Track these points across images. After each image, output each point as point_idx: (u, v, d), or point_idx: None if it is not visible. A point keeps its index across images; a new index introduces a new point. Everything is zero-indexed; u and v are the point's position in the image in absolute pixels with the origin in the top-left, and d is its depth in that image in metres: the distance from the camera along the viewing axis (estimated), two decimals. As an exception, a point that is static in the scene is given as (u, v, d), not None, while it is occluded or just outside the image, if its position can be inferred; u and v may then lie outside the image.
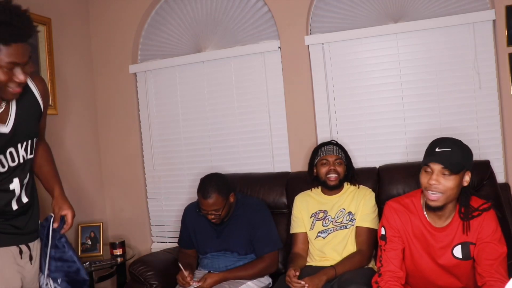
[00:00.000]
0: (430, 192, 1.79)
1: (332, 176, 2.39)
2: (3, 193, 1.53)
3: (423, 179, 1.82)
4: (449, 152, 1.77)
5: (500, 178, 2.56)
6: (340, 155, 2.42)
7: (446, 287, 1.95)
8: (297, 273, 2.15)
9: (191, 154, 3.24)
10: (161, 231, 3.35)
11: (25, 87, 1.56)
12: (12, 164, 1.53)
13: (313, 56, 2.90)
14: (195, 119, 3.22)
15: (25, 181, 1.61)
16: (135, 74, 3.36)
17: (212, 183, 2.36)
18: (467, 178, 1.82)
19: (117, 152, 3.39)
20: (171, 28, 3.28)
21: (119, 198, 3.43)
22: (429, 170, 1.79)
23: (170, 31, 3.28)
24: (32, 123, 1.62)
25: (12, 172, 1.55)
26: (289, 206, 2.70)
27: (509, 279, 1.75)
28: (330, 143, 2.48)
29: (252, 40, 3.05)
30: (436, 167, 1.77)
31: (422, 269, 1.93)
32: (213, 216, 2.37)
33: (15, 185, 1.55)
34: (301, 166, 2.88)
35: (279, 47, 2.95)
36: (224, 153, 3.15)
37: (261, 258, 2.44)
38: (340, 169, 2.40)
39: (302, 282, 2.09)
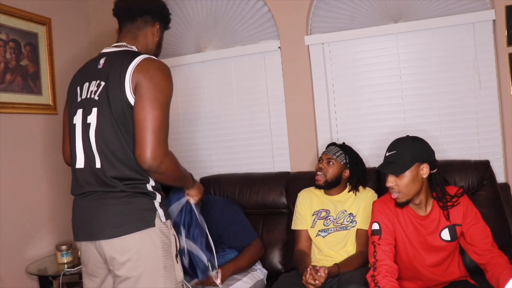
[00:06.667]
0: (391, 192, 1.94)
1: (318, 175, 2.38)
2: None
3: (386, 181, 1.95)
4: (394, 155, 1.90)
5: (500, 178, 2.56)
6: (334, 155, 2.38)
7: (436, 280, 2.02)
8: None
9: (191, 154, 3.24)
10: (161, 231, 3.35)
11: None
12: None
13: (313, 56, 2.91)
14: (195, 119, 3.22)
15: None
16: (135, 74, 3.35)
17: None
18: (424, 170, 1.90)
19: (117, 152, 3.38)
20: (171, 28, 3.26)
21: (119, 198, 3.42)
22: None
23: (170, 31, 3.25)
24: None
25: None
26: (289, 206, 2.71)
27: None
28: (334, 144, 2.47)
29: (252, 40, 3.05)
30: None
31: (413, 261, 2.00)
32: None
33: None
34: (301, 166, 2.88)
35: (279, 47, 2.95)
36: (224, 153, 3.15)
37: (245, 249, 2.44)
38: (331, 169, 2.36)
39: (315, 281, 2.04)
